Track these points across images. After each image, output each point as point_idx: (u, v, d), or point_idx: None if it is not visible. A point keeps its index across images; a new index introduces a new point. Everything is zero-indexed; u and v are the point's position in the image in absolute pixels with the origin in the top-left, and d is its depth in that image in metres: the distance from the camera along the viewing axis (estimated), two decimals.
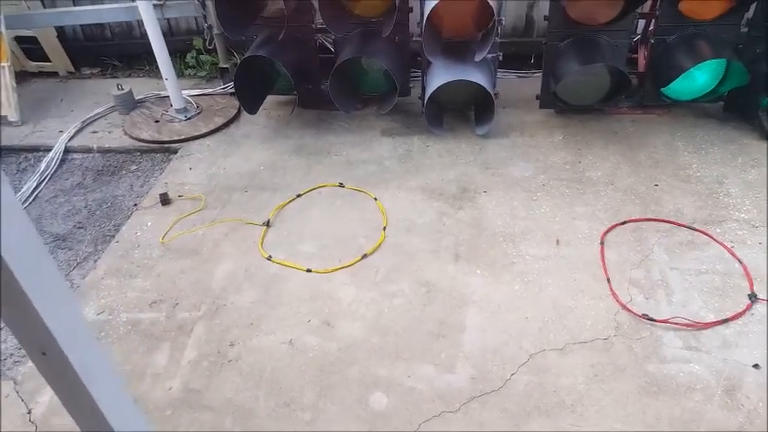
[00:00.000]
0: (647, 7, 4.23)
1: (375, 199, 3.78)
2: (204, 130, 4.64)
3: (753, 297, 2.90)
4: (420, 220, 3.59)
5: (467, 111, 4.63)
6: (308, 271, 3.27)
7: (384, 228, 3.54)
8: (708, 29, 4.00)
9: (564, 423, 2.44)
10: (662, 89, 4.22)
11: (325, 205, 3.79)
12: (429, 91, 4.17)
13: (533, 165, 4.00)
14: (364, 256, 3.34)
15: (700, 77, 4.20)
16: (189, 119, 4.79)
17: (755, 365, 2.59)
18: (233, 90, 4.67)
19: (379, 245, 3.42)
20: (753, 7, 3.96)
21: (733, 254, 3.16)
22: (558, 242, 3.34)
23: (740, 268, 3.08)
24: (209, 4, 4.66)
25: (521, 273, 3.16)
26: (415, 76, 4.68)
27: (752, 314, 2.84)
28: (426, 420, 2.49)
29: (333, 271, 3.26)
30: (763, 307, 2.87)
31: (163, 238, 3.58)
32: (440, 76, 4.14)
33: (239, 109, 4.85)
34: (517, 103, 4.67)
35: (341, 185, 3.94)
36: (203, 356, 2.84)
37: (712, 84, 4.22)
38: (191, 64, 5.52)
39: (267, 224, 3.63)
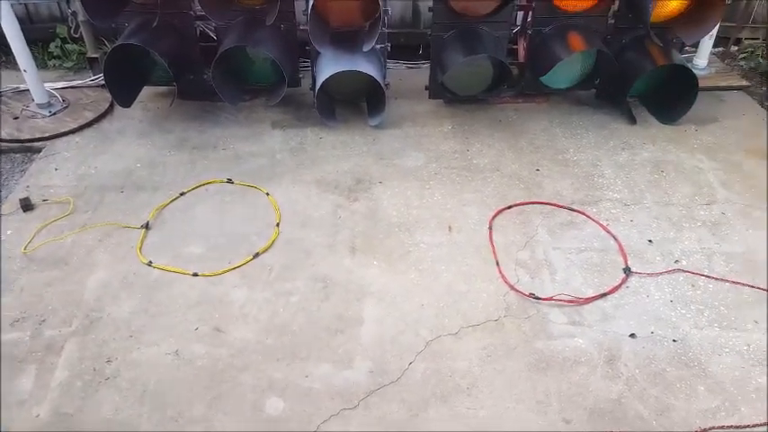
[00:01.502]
0: None
1: (267, 194, 3.63)
2: (72, 126, 4.21)
3: (627, 271, 3.12)
4: (315, 214, 3.49)
5: (359, 101, 4.58)
6: (195, 275, 3.06)
7: (277, 224, 3.40)
8: (579, 20, 4.24)
9: (461, 407, 2.47)
10: (540, 78, 4.43)
11: (212, 203, 3.58)
12: (319, 81, 4.06)
13: (425, 154, 4.04)
14: (256, 255, 3.19)
15: (574, 67, 4.45)
16: (54, 114, 4.33)
17: (632, 335, 2.78)
18: (104, 82, 4.27)
19: (273, 242, 3.28)
20: (618, 0, 4.24)
21: (608, 231, 3.38)
22: (450, 229, 3.40)
23: (615, 244, 3.30)
24: None
25: (416, 261, 3.18)
26: (305, 67, 4.55)
27: (627, 287, 3.05)
28: (325, 421, 2.41)
29: (222, 273, 3.08)
30: (636, 279, 3.09)
31: (25, 248, 3.20)
32: (329, 66, 4.04)
33: (112, 102, 4.46)
34: (408, 94, 4.70)
35: (229, 181, 3.74)
36: (76, 376, 2.57)
37: (585, 73, 4.50)
38: (55, 54, 5.00)
39: (146, 226, 3.35)
